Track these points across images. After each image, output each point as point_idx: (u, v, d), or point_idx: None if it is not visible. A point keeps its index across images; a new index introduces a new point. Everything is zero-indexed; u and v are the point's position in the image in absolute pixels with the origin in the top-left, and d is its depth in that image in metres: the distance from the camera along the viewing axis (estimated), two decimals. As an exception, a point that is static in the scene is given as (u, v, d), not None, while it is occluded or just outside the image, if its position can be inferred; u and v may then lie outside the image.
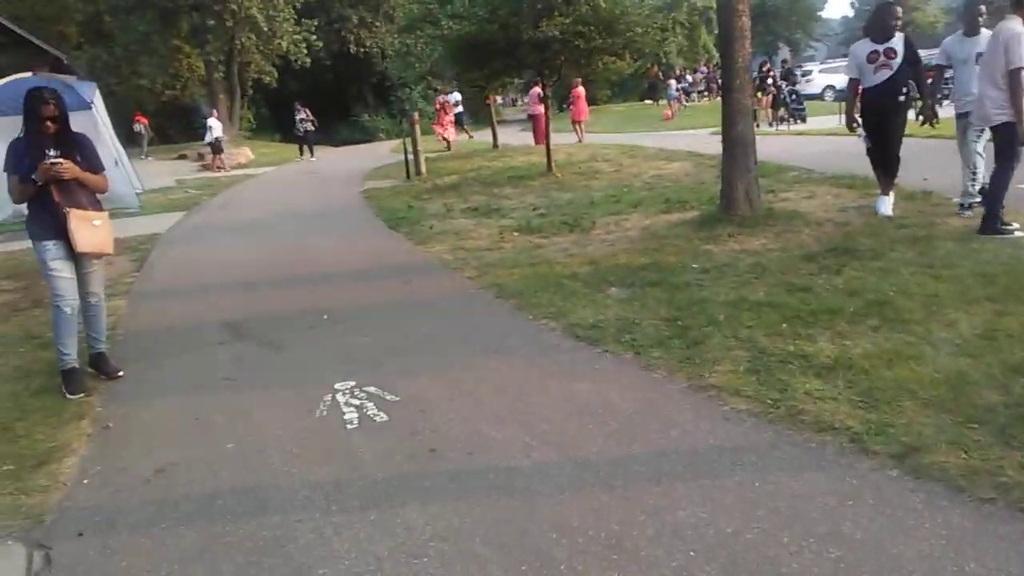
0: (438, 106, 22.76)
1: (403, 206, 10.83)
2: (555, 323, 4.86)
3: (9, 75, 13.57)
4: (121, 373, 4.65)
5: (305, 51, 31.21)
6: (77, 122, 12.11)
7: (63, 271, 4.41)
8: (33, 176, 4.27)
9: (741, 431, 3.18)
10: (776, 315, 4.42)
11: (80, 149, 4.46)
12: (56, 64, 18.45)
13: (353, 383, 4.11)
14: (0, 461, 3.50)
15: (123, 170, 12.69)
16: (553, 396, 3.74)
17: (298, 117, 21.86)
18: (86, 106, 12.48)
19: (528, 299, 5.41)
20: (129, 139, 35.71)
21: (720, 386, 3.61)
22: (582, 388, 3.80)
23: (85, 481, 3.29)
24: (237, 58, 31.12)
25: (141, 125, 29.19)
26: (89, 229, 4.40)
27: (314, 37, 31.64)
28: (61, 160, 4.26)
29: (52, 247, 4.38)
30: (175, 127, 36.26)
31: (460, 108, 24.43)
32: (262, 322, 5.56)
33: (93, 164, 4.53)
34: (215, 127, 21.17)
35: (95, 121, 12.55)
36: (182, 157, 25.87)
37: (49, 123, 4.27)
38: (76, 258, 4.45)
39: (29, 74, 13.17)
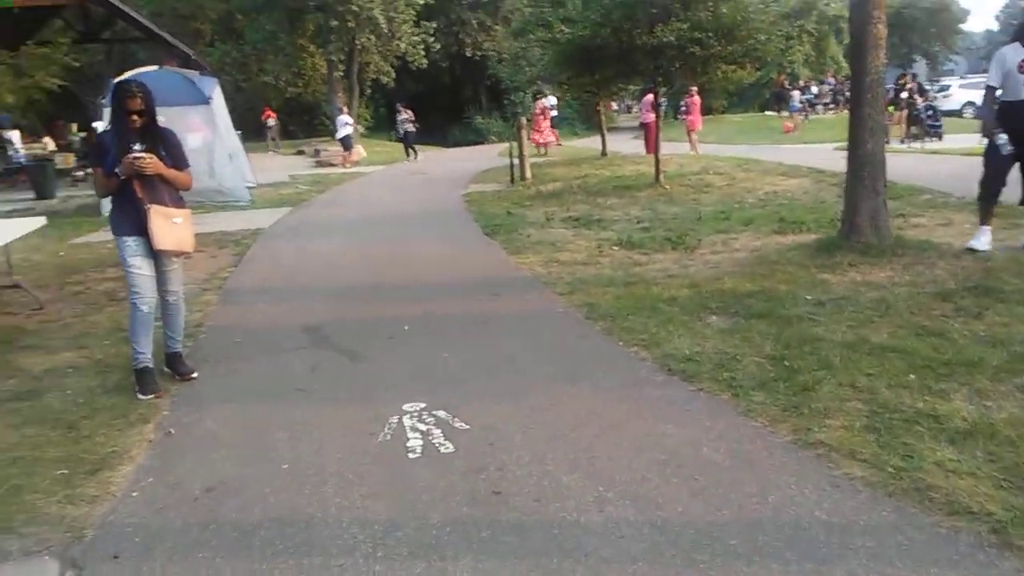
0: (538, 111, 22.51)
1: (503, 212, 10.59)
2: (647, 352, 4.46)
3: (146, 67, 14.21)
4: (195, 375, 4.55)
5: (423, 53, 31.59)
6: (195, 116, 12.51)
7: (142, 268, 4.34)
8: (116, 170, 4.21)
9: (854, 504, 2.71)
10: (902, 363, 3.87)
11: (165, 144, 4.39)
12: (185, 59, 19.26)
13: (423, 405, 3.85)
14: (58, 464, 3.41)
15: (237, 164, 12.99)
16: (637, 439, 3.35)
17: (399, 118, 22.01)
18: (204, 101, 12.88)
19: (620, 322, 5.02)
20: (257, 132, 37.51)
21: (831, 444, 3.13)
22: (670, 432, 3.39)
23: (134, 494, 3.14)
24: (358, 58, 31.84)
25: (271, 119, 30.39)
26: (169, 227, 4.32)
27: (432, 39, 32.00)
28: (144, 155, 4.18)
29: (132, 243, 4.32)
30: (297, 123, 37.56)
31: (555, 112, 24.32)
32: (344, 328, 5.40)
33: (178, 160, 4.45)
34: (345, 124, 21.53)
35: (212, 115, 12.95)
36: (300, 153, 26.64)
37: (135, 117, 4.20)
38: (156, 255, 4.38)
39: (155, 68, 13.72)
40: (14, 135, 16.58)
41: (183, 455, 3.50)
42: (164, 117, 12.12)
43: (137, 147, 4.25)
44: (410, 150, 22.22)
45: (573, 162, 18.06)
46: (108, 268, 8.09)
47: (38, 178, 15.04)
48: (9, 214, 11.86)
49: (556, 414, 3.67)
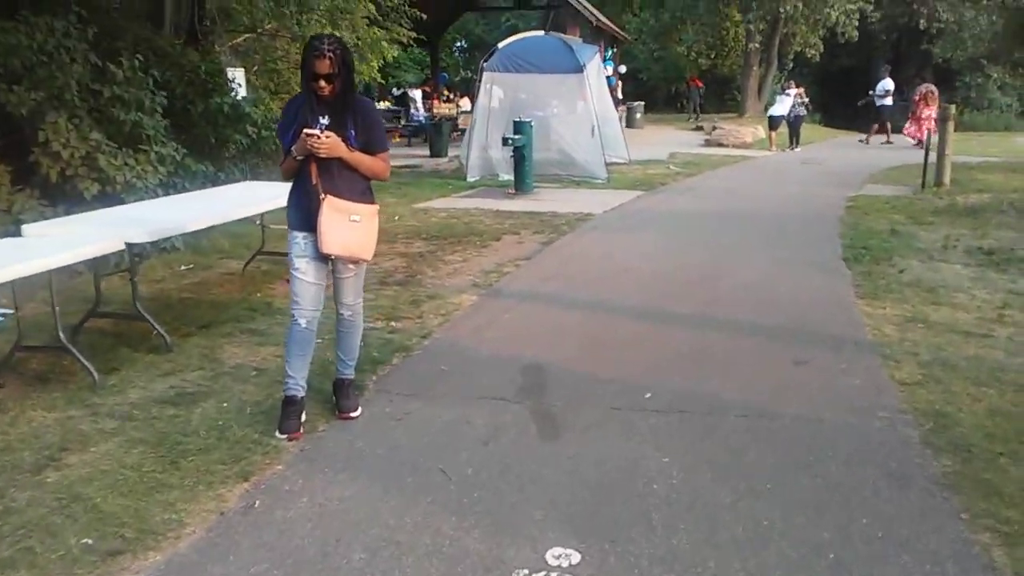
0: (918, 97, 18.29)
1: (885, 229, 8.18)
2: (1008, 556, 2.46)
3: (532, 32, 14.10)
4: (355, 414, 3.67)
5: (855, 23, 27.77)
6: (565, 84, 11.93)
7: (307, 273, 3.53)
8: (292, 148, 3.42)
9: None
10: None
11: (362, 121, 3.47)
12: (588, 26, 19.02)
13: (575, 559, 2.47)
14: (91, 528, 2.73)
15: (597, 139, 12.17)
16: None
17: (786, 97, 18.57)
18: (578, 68, 12.22)
19: (982, 469, 3.02)
20: (668, 103, 37.05)
21: None
22: None
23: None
24: (781, 28, 29.16)
25: (695, 89, 29.61)
26: (343, 225, 3.42)
27: (871, 7, 27.96)
28: (316, 132, 3.30)
29: (301, 241, 3.51)
30: (708, 96, 36.15)
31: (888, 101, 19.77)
32: (569, 377, 4.12)
33: (372, 142, 3.51)
34: (784, 102, 18.69)
35: (583, 84, 12.25)
36: (698, 129, 25.25)
37: (323, 83, 3.32)
38: (330, 259, 3.53)
39: (540, 32, 13.44)
40: (416, 94, 17.93)
41: (240, 546, 2.60)
42: (530, 86, 11.70)
43: (323, 121, 3.42)
44: (794, 137, 19.25)
45: (1018, 167, 14.03)
46: (418, 240, 7.78)
47: (433, 136, 16.01)
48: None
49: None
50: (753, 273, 6.37)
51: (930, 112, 17.76)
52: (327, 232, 3.40)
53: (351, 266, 3.60)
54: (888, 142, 19.68)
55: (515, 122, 11.07)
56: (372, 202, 3.59)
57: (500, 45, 12.81)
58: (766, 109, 22.06)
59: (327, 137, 3.32)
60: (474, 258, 7.09)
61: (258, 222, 6.26)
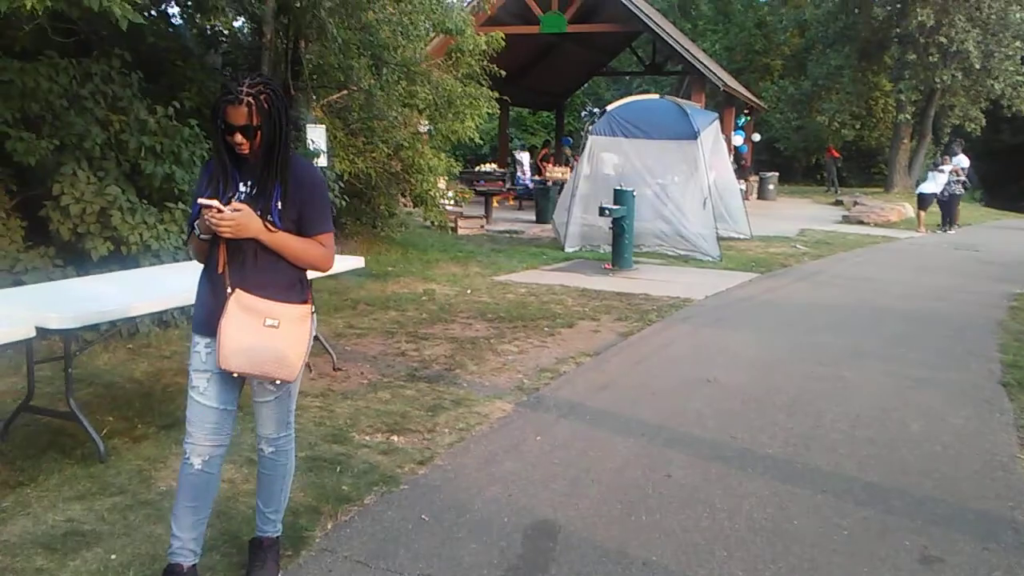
0: None
1: (1061, 344, 6.51)
2: None
3: (647, 95, 13.13)
4: (272, 586, 2.67)
5: (1024, 95, 25.15)
6: (681, 149, 10.87)
7: (206, 393, 2.59)
8: (195, 223, 2.53)
9: None
10: None
11: (294, 190, 2.54)
12: (715, 91, 17.85)
13: None
14: None
15: (710, 213, 10.92)
16: None
17: (941, 173, 16.47)
18: (692, 135, 11.10)
19: None
20: (805, 174, 34.95)
21: None
22: None
23: None
24: (938, 100, 26.83)
25: (831, 159, 27.96)
26: (252, 331, 2.48)
27: (1046, 78, 25.27)
28: (214, 204, 2.39)
29: (202, 349, 2.60)
30: (851, 169, 33.81)
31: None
32: (590, 549, 2.96)
33: (308, 220, 2.57)
34: (937, 179, 16.54)
35: (696, 152, 11.10)
36: (837, 204, 23.30)
37: (239, 137, 2.43)
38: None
39: (655, 96, 12.42)
40: (524, 157, 17.20)
41: None
42: (640, 153, 10.66)
43: (243, 189, 2.53)
44: (948, 218, 17.10)
45: None
46: (479, 321, 6.81)
47: (541, 201, 15.23)
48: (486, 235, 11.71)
49: None
50: (874, 399, 4.95)
51: None
52: (228, 339, 2.47)
53: (270, 386, 2.63)
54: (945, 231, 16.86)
55: (616, 191, 10.03)
56: (302, 301, 2.63)
57: (610, 107, 11.89)
58: (917, 185, 19.99)
59: (235, 210, 2.41)
60: (533, 349, 6.03)
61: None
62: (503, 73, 11.07)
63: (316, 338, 5.23)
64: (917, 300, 8.62)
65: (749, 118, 25.23)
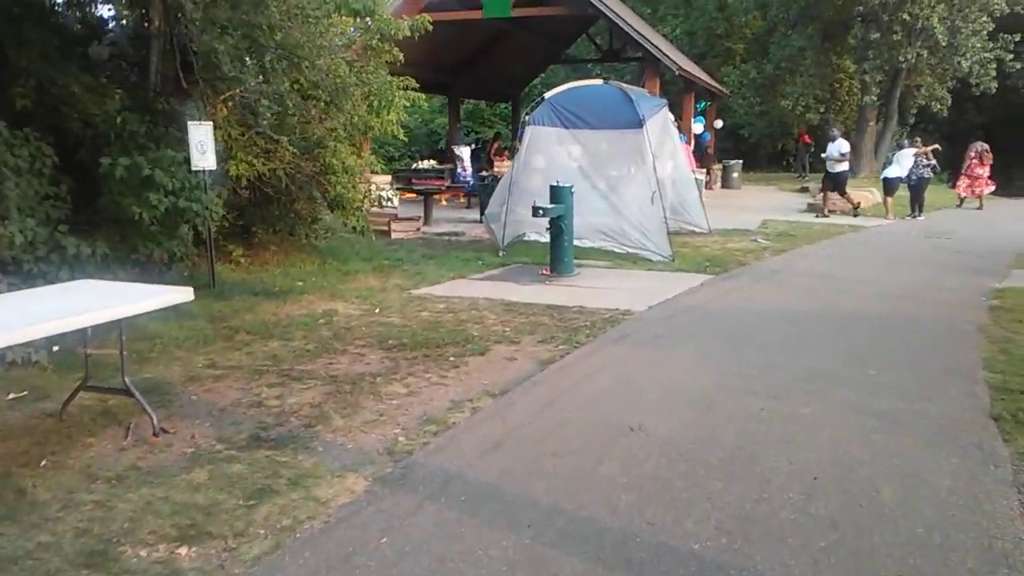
0: (973, 154, 18.00)
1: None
2: None
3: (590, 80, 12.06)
4: None
5: (993, 74, 24.41)
6: (625, 139, 9.84)
7: None
8: None
9: None
10: None
11: None
12: (669, 77, 16.83)
13: None
14: None
15: (658, 210, 9.89)
16: None
17: (914, 157, 15.67)
18: (636, 124, 10.06)
19: None
20: (771, 160, 34.11)
21: None
22: None
23: None
24: (904, 80, 26.04)
25: (803, 146, 27.31)
26: None
27: (1011, 56, 24.56)
28: None
29: None
30: (817, 155, 32.98)
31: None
32: None
33: None
34: (902, 162, 15.87)
35: (641, 144, 10.07)
36: (803, 190, 22.46)
37: None
38: None
39: (598, 81, 11.36)
40: (464, 152, 16.06)
41: None
42: (582, 144, 9.61)
43: None
44: (916, 204, 16.31)
45: None
46: (375, 350, 5.70)
47: (483, 198, 14.13)
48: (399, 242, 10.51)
49: None
50: (835, 448, 3.93)
51: (983, 171, 18.43)
52: None
53: None
54: (825, 215, 15.93)
55: (552, 187, 8.97)
56: None
57: (548, 94, 10.81)
58: (883, 170, 19.20)
59: None
60: (427, 388, 4.94)
61: (85, 347, 4.32)
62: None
63: (128, 392, 4.20)
64: (887, 302, 7.65)
65: (709, 104, 24.31)
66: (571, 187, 8.95)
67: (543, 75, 29.85)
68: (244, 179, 8.43)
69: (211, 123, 7.93)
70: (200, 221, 7.13)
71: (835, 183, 16.31)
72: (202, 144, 7.79)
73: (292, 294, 7.84)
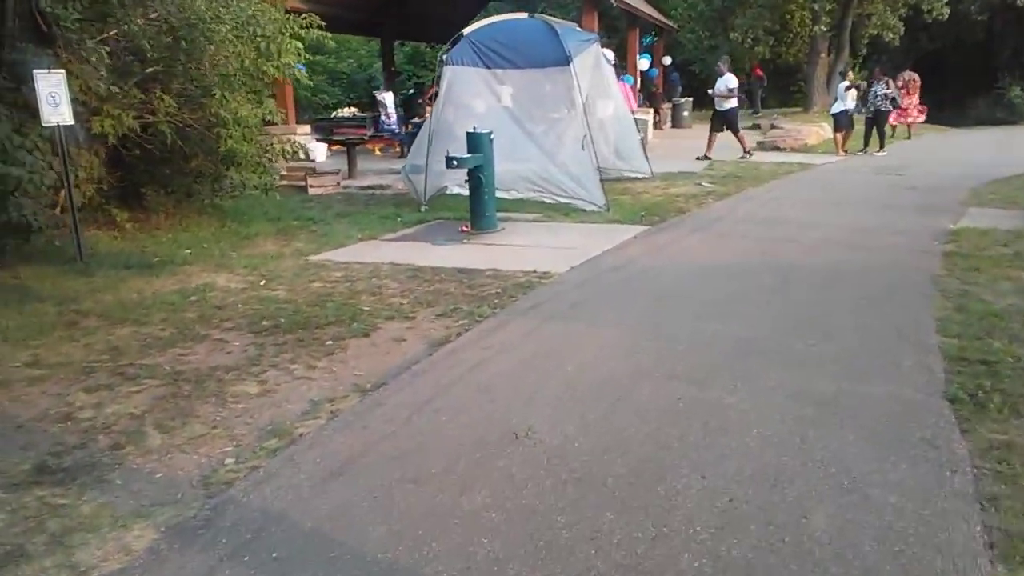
0: (901, 84, 17.36)
1: (1021, 307, 4.88)
2: None
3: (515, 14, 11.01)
4: None
5: (945, 0, 23.72)
6: (550, 79, 8.87)
7: None
8: None
9: None
10: None
11: None
12: (607, 9, 15.79)
13: None
14: None
15: (589, 155, 9.04)
16: None
17: (874, 89, 15.05)
18: (563, 61, 9.14)
19: None
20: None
21: None
22: None
23: None
24: (855, 8, 25.21)
25: (756, 80, 26.67)
26: None
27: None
28: None
29: None
30: (770, 89, 32.21)
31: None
32: None
33: None
34: (848, 96, 15.39)
35: (570, 83, 9.16)
36: (754, 127, 21.71)
37: None
38: None
39: (522, 15, 10.35)
40: (387, 98, 14.95)
41: None
42: (505, 85, 8.56)
43: None
44: (877, 138, 15.68)
45: None
46: (244, 333, 4.82)
47: (408, 146, 13.15)
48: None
49: None
50: (762, 451, 3.19)
51: (911, 101, 18.37)
52: None
53: None
54: (707, 156, 14.68)
55: (469, 134, 8.05)
56: None
57: (466, 30, 9.79)
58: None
59: None
60: (287, 384, 4.11)
61: None
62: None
63: None
64: (833, 250, 6.96)
65: (656, 38, 23.29)
66: (490, 133, 8.03)
67: (483, 13, 28.44)
68: (110, 136, 7.38)
69: (63, 71, 6.85)
70: (32, 188, 6.11)
71: (724, 121, 14.78)
72: (53, 96, 6.73)
73: (172, 265, 6.90)
